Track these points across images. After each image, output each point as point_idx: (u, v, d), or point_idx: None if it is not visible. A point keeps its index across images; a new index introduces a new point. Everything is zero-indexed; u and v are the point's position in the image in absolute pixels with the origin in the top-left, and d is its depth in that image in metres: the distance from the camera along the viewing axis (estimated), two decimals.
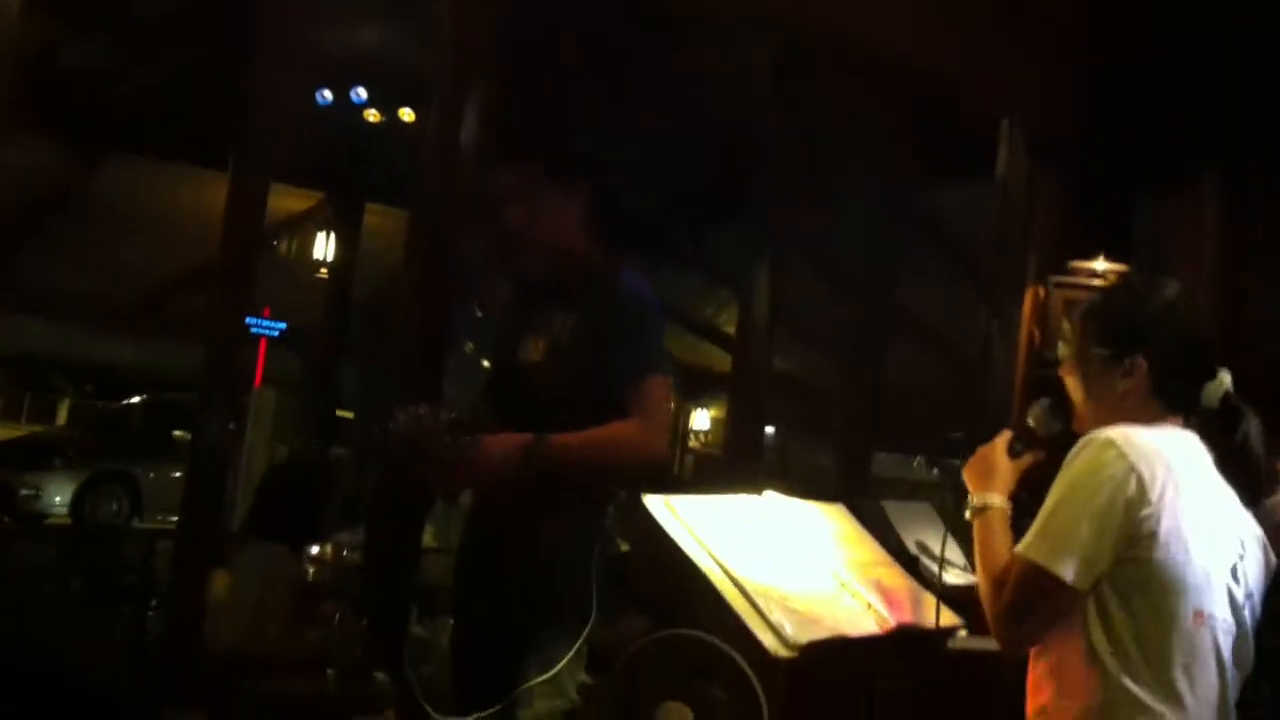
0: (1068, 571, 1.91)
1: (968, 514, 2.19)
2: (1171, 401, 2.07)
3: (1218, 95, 3.97)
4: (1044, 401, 2.26)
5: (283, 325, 10.58)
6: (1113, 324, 2.14)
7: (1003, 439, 2.25)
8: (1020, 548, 1.97)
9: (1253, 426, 2.06)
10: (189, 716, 2.92)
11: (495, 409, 2.76)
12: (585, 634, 2.65)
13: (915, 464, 18.28)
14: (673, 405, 11.47)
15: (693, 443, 13.75)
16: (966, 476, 2.23)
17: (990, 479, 2.19)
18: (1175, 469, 1.96)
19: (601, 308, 2.69)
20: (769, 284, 4.60)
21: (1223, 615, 1.99)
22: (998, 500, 2.16)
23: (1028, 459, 2.23)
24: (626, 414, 2.62)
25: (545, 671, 2.62)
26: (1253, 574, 2.06)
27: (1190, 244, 4.03)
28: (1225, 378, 2.08)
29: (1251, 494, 2.04)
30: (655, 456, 2.64)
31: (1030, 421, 2.26)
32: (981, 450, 2.25)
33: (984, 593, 2.06)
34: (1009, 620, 2.01)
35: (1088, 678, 1.95)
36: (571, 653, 2.63)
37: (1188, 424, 2.07)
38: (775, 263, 4.61)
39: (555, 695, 2.65)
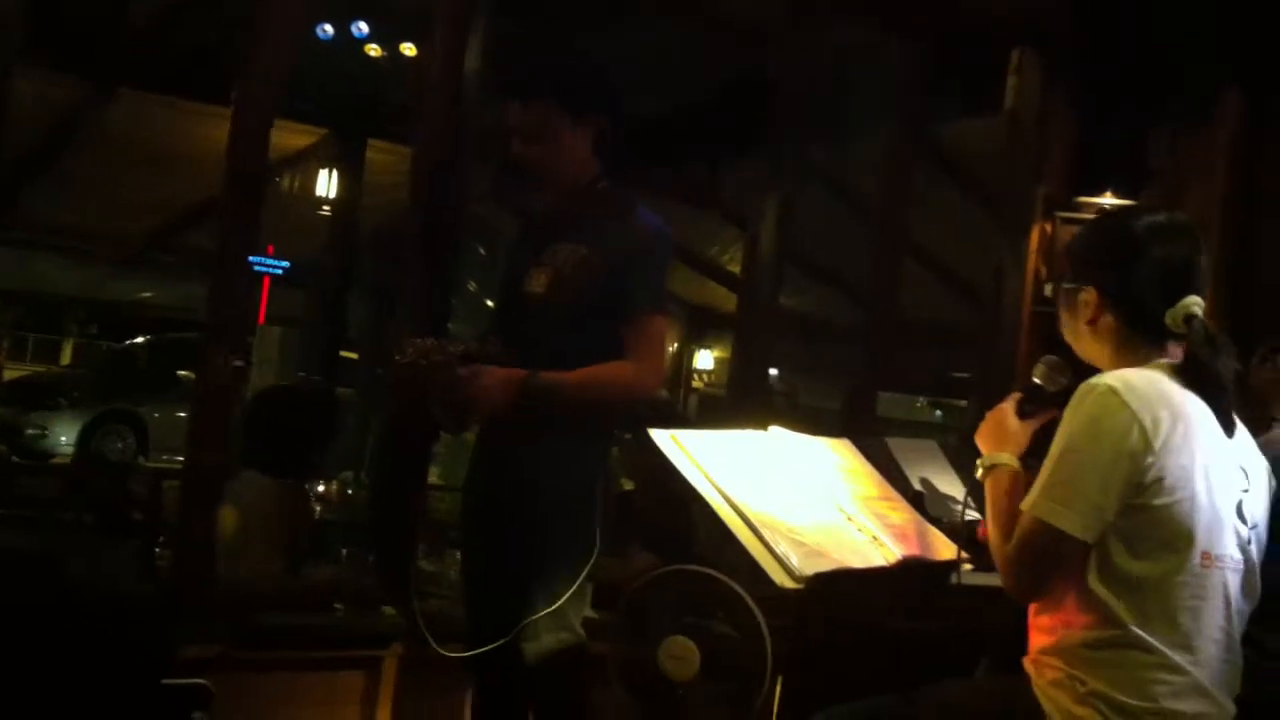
0: (1075, 527, 1.92)
1: (979, 474, 2.19)
2: (1139, 330, 2.06)
3: (1236, 15, 3.90)
4: (1048, 359, 2.26)
5: (286, 263, 10.57)
6: (1070, 255, 2.19)
7: (1012, 400, 2.25)
8: (1026, 505, 1.98)
9: (1217, 356, 2.02)
10: (201, 651, 2.94)
11: (503, 342, 2.76)
12: (588, 568, 2.68)
13: (918, 404, 18.32)
14: (671, 344, 11.47)
15: (696, 383, 13.76)
16: (978, 439, 2.24)
17: (1002, 440, 2.20)
18: (1177, 411, 1.95)
19: (612, 240, 2.68)
20: (776, 221, 4.57)
21: (1231, 554, 1.99)
22: (1007, 459, 2.16)
23: (1039, 417, 2.23)
24: (624, 349, 2.62)
25: (549, 605, 2.65)
26: (1258, 507, 2.06)
27: (1203, 174, 3.98)
28: (1190, 302, 2.03)
29: (1226, 424, 2.02)
30: (645, 395, 2.65)
31: (1036, 378, 2.26)
32: (991, 413, 2.26)
33: (995, 548, 2.07)
34: (1020, 574, 2.02)
35: (1092, 621, 1.95)
36: (574, 587, 2.66)
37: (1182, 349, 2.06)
38: (783, 199, 4.57)
39: (560, 629, 2.69)
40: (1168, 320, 2.04)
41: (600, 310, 2.64)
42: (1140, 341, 2.06)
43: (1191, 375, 2.02)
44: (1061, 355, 2.23)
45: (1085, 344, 2.13)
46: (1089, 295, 2.09)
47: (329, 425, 4.27)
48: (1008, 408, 2.24)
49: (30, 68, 6.11)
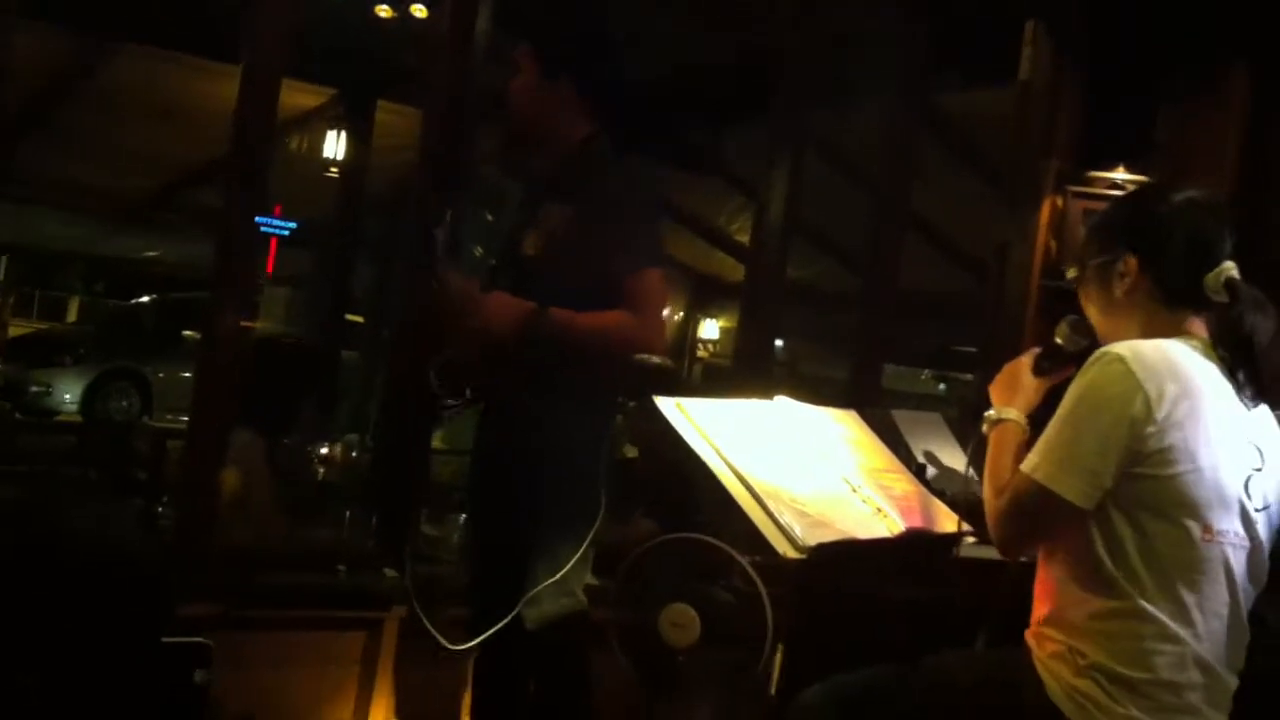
0: (1072, 492, 1.92)
1: (984, 426, 2.19)
2: (1175, 298, 2.06)
3: None
4: (1071, 319, 2.25)
5: (293, 224, 10.55)
6: (1103, 230, 2.17)
7: (1029, 355, 2.26)
8: (1026, 466, 1.98)
9: (1255, 314, 2.03)
10: (202, 609, 2.95)
11: None
12: (591, 535, 2.68)
13: (923, 377, 18.31)
14: (676, 312, 11.46)
15: (701, 352, 13.74)
16: (991, 390, 2.25)
17: (1014, 394, 2.21)
18: (1187, 382, 1.94)
19: (599, 199, 2.68)
20: (785, 190, 4.54)
21: (1234, 530, 1.98)
22: (1014, 414, 2.17)
23: (1054, 376, 2.23)
24: (622, 305, 2.62)
25: (553, 573, 2.66)
26: (1271, 486, 2.05)
27: (1211, 151, 3.95)
28: (1228, 266, 2.05)
29: (1254, 392, 2.02)
30: (647, 349, 2.65)
31: (1058, 339, 2.26)
32: (1008, 365, 2.27)
33: (987, 501, 2.08)
34: (1008, 530, 2.03)
35: (1093, 592, 1.96)
36: (578, 555, 2.66)
37: (1209, 324, 2.06)
38: (792, 168, 4.54)
39: (561, 595, 2.70)
40: (1208, 283, 2.04)
41: (592, 270, 2.64)
42: (1170, 314, 2.07)
43: (1230, 340, 2.02)
44: (1082, 316, 2.22)
45: (1115, 320, 2.12)
46: (1127, 265, 2.08)
47: (312, 379, 4.25)
48: (1025, 362, 2.25)
49: (31, 20, 6.08)
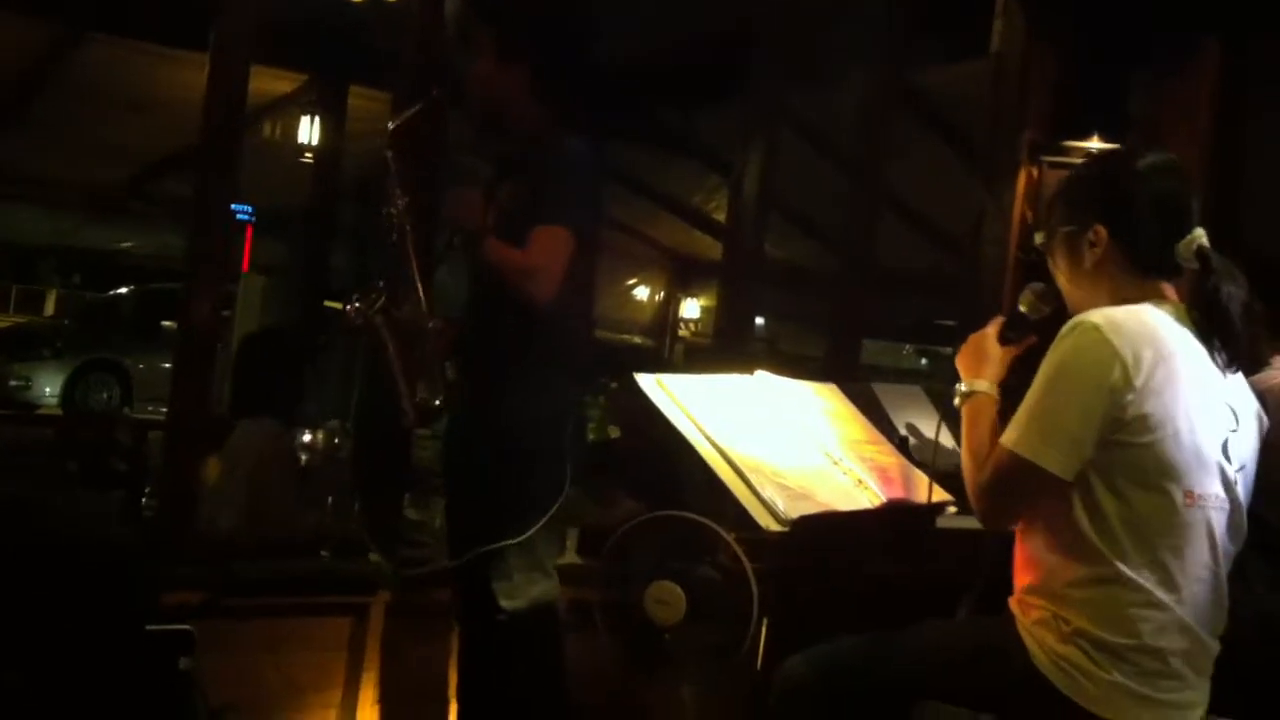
0: (1053, 463, 1.92)
1: (956, 400, 2.19)
2: (1146, 265, 2.06)
3: None
4: (1036, 286, 2.25)
5: (269, 211, 10.48)
6: (1071, 198, 2.15)
7: (994, 325, 2.25)
8: (1006, 440, 1.97)
9: (1229, 283, 2.03)
10: (185, 597, 2.94)
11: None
12: (558, 504, 2.76)
13: (904, 351, 18.37)
14: (657, 293, 11.47)
15: (683, 331, 13.74)
16: (958, 363, 2.24)
17: (981, 365, 2.20)
18: (1162, 348, 1.95)
19: (535, 170, 2.79)
20: (760, 168, 4.55)
21: (1215, 493, 1.99)
22: (985, 386, 2.17)
23: (1019, 345, 2.23)
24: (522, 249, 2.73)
25: (519, 537, 2.69)
26: (1246, 447, 2.06)
27: (1185, 119, 3.96)
28: (1198, 233, 2.04)
29: (1230, 356, 2.02)
30: (529, 290, 2.70)
31: (1022, 307, 2.26)
32: (973, 336, 2.25)
33: (967, 473, 2.08)
34: (992, 503, 2.03)
35: (1076, 560, 1.96)
36: (544, 519, 2.71)
37: (1180, 289, 2.06)
38: (767, 146, 4.54)
39: (531, 568, 2.75)
40: (1180, 251, 2.04)
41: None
42: (1141, 281, 2.06)
43: (1206, 309, 2.02)
44: (1047, 284, 2.22)
45: (1084, 289, 2.12)
46: (1097, 234, 2.07)
47: (315, 360, 4.29)
48: (990, 332, 2.24)
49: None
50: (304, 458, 5.32)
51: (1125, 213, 2.07)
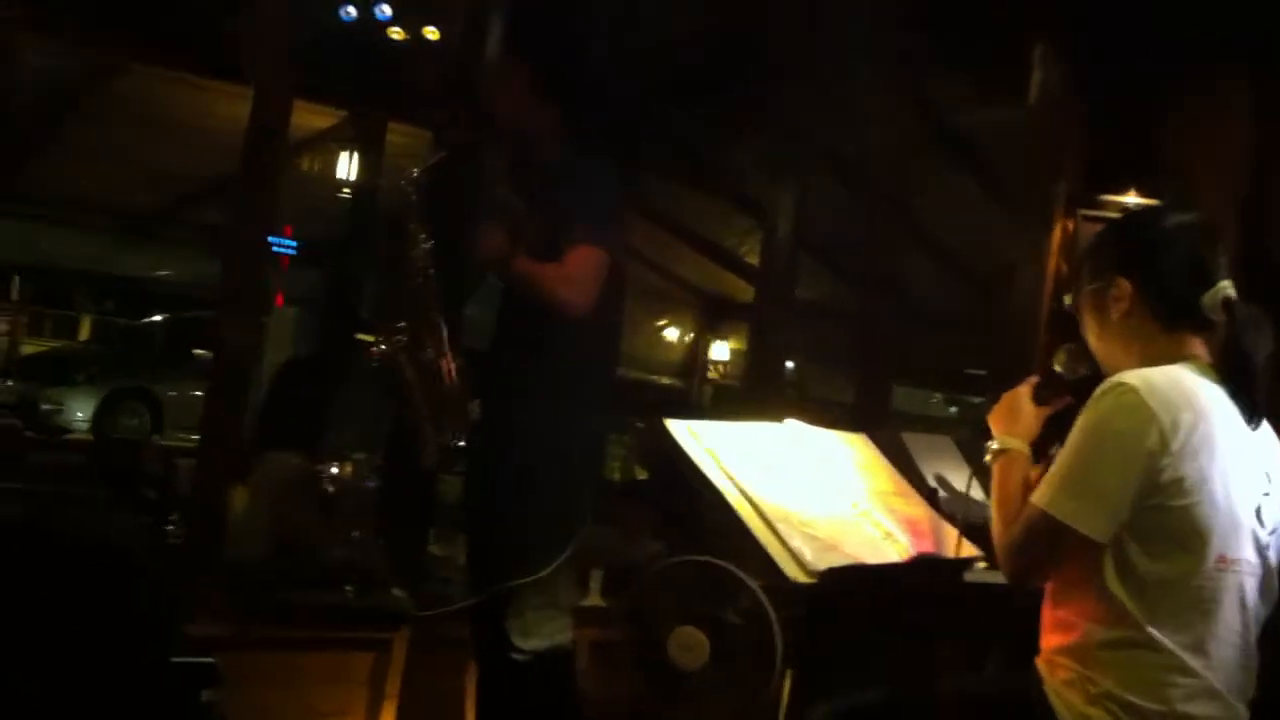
0: (1087, 525, 1.90)
1: (987, 457, 2.18)
2: (1172, 319, 2.04)
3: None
4: (1070, 346, 2.24)
5: (304, 244, 10.56)
6: (1096, 256, 2.15)
7: (1028, 384, 2.25)
8: (1041, 501, 1.95)
9: (1255, 334, 2.01)
10: (210, 629, 2.95)
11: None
12: (575, 542, 2.77)
13: (933, 400, 18.26)
14: (687, 334, 11.49)
15: (712, 373, 13.74)
16: (991, 420, 2.23)
17: (1015, 423, 2.19)
18: (1198, 410, 1.93)
19: (563, 198, 2.81)
20: (793, 210, 4.56)
21: (1247, 558, 1.97)
22: (1018, 444, 2.16)
23: (1053, 404, 2.22)
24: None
25: (533, 574, 2.72)
26: (1277, 508, 2.04)
27: (1220, 162, 3.94)
28: (1224, 285, 2.03)
29: (1253, 409, 2.00)
30: (563, 303, 2.73)
31: (1056, 366, 2.25)
32: (1007, 395, 2.25)
33: (996, 531, 2.06)
34: (1020, 562, 2.01)
35: (1105, 621, 1.94)
36: (560, 560, 2.71)
37: (1210, 345, 2.04)
38: (800, 187, 4.55)
39: (546, 605, 2.74)
40: (1206, 303, 2.02)
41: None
42: (1169, 336, 2.04)
43: (1227, 360, 2.01)
44: (1081, 344, 2.21)
45: (1113, 345, 2.10)
46: (1121, 289, 2.06)
47: (347, 392, 4.30)
48: (1024, 391, 2.24)
49: (40, 38, 6.12)
50: (330, 490, 5.34)
51: (1149, 266, 2.06)
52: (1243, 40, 3.93)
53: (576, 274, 2.72)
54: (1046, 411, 2.22)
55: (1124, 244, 2.13)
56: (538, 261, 2.77)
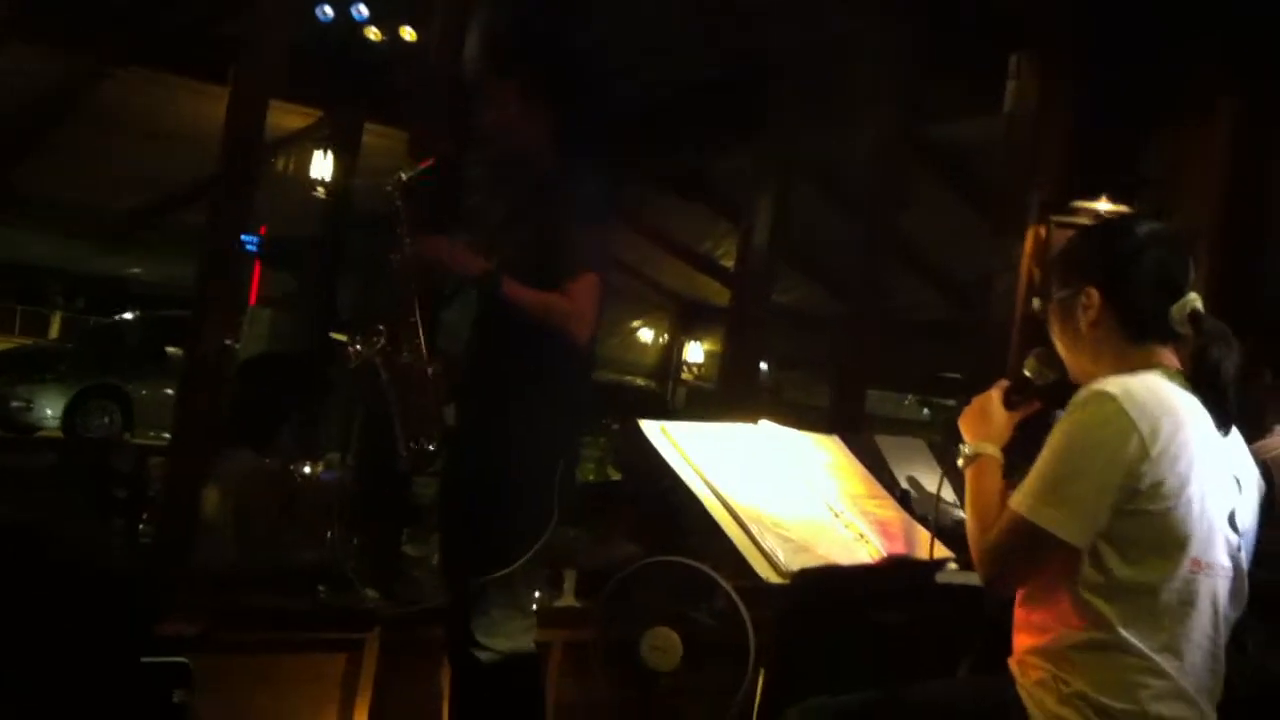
0: (1068, 533, 1.91)
1: (960, 462, 2.19)
2: (1140, 331, 2.06)
3: (1234, 17, 3.90)
4: (1039, 350, 2.25)
5: (279, 243, 10.51)
6: (1066, 264, 2.16)
7: (998, 389, 2.25)
8: (1019, 506, 1.96)
9: (1221, 347, 2.03)
10: (181, 628, 2.93)
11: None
12: (541, 542, 2.76)
13: (906, 403, 18.34)
14: (662, 335, 11.49)
15: (686, 375, 13.76)
16: (962, 425, 2.24)
17: (985, 428, 2.20)
18: (1175, 417, 1.95)
19: (555, 213, 2.80)
20: (771, 215, 4.57)
21: (1220, 562, 1.99)
22: (991, 449, 2.16)
23: (1023, 409, 2.23)
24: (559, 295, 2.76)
25: (499, 570, 2.74)
26: (1249, 515, 2.06)
27: (1201, 179, 3.98)
28: (1192, 298, 2.05)
29: (1221, 419, 2.02)
30: (575, 333, 2.76)
31: (1026, 371, 2.26)
32: (977, 400, 2.26)
33: (972, 537, 2.07)
34: (998, 566, 2.01)
35: (1078, 623, 1.95)
36: (524, 559, 2.72)
37: (1179, 354, 2.06)
38: (778, 192, 4.57)
39: (509, 605, 2.76)
40: (1174, 315, 2.04)
41: (541, 274, 2.76)
42: (1139, 346, 2.06)
43: (1196, 372, 2.02)
44: (1051, 349, 2.22)
45: (1082, 355, 2.12)
46: (1090, 298, 2.07)
47: (304, 391, 4.27)
48: (994, 395, 2.24)
49: (19, 42, 6.08)
50: (300, 490, 5.32)
51: (1118, 276, 2.07)
52: (1224, 50, 3.97)
53: (587, 308, 2.75)
54: (1017, 416, 2.23)
55: (1093, 253, 2.13)
56: (524, 276, 2.76)
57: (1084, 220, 4.06)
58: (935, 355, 8.68)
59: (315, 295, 9.01)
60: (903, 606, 2.61)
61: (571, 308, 2.73)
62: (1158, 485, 1.91)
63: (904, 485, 3.20)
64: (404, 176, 2.84)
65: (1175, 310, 2.05)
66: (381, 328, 2.81)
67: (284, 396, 4.05)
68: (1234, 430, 2.06)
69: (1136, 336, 2.06)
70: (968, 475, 2.16)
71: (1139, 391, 1.95)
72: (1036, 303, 2.20)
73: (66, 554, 2.47)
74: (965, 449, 2.19)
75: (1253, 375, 2.88)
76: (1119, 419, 1.91)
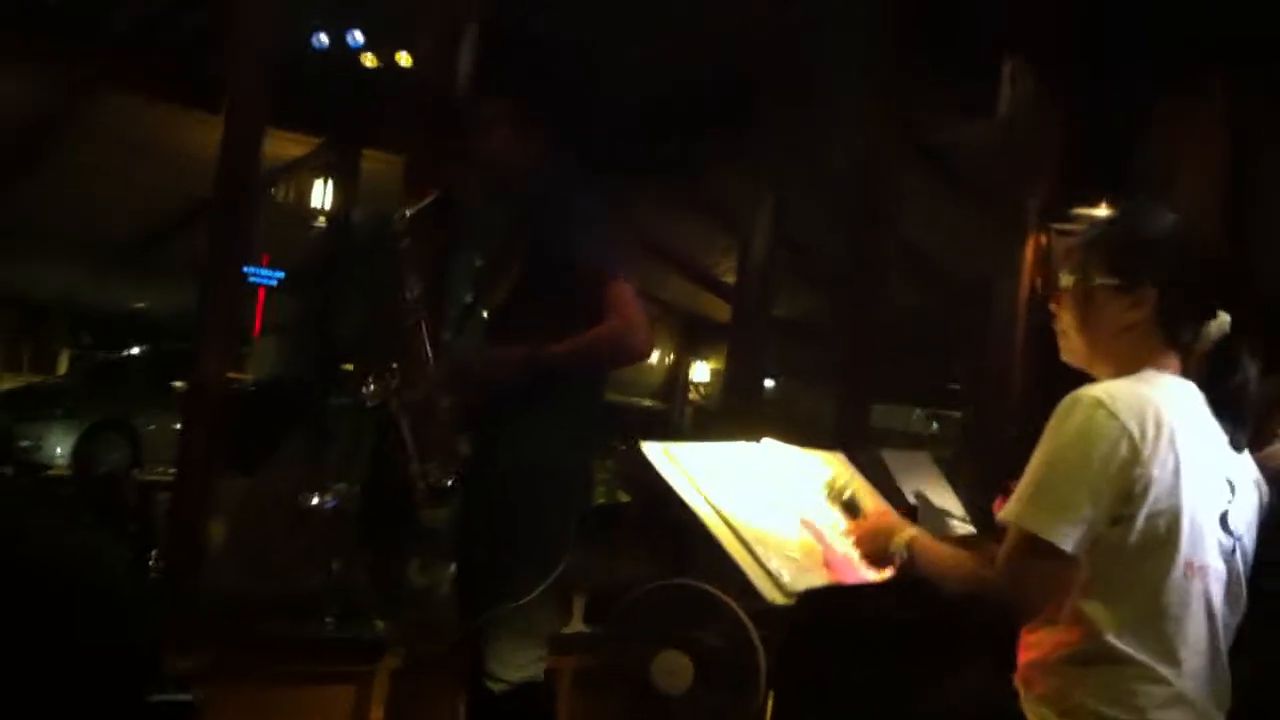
0: (1066, 541, 1.88)
1: (896, 562, 2.16)
2: (1173, 337, 2.03)
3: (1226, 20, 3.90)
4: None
5: (280, 274, 10.55)
6: (1123, 251, 2.06)
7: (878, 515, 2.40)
8: (1015, 517, 1.92)
9: (1252, 371, 2.03)
10: (190, 662, 2.92)
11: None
12: (558, 570, 2.74)
13: (914, 416, 18.27)
14: (667, 354, 11.50)
15: (692, 394, 13.75)
16: (863, 553, 2.28)
17: (886, 536, 2.20)
18: (1166, 420, 1.93)
19: (546, 230, 2.78)
20: (769, 226, 4.56)
21: (1214, 565, 1.97)
22: (911, 532, 2.15)
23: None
24: (607, 316, 2.70)
25: (514, 600, 2.72)
26: (1243, 518, 2.04)
27: (1195, 175, 3.97)
28: (1225, 318, 2.04)
29: (1237, 440, 2.01)
30: (640, 351, 2.73)
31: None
32: (862, 533, 2.29)
33: (970, 592, 2.02)
34: (1015, 589, 1.96)
35: (1077, 634, 1.94)
36: (541, 587, 2.69)
37: (1185, 365, 2.05)
38: (776, 202, 4.56)
39: (524, 633, 2.72)
40: (1211, 331, 2.03)
41: (555, 304, 2.73)
42: (1163, 351, 2.03)
43: (1223, 390, 2.01)
44: (1057, 365, 2.19)
45: (1098, 343, 2.07)
46: (1146, 295, 2.01)
47: (300, 420, 4.28)
48: (880, 514, 2.35)
49: (14, 67, 6.10)
50: (305, 520, 5.31)
51: (1183, 284, 2.02)
52: (1219, 52, 3.96)
53: (633, 314, 2.69)
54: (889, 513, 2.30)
55: (1163, 253, 2.05)
56: (532, 307, 2.74)
57: (1084, 227, 4.05)
58: (940, 365, 8.67)
59: (317, 324, 9.03)
60: (909, 624, 2.58)
61: (618, 323, 2.69)
62: (1148, 487, 1.89)
63: (910, 500, 3.18)
64: (408, 213, 2.81)
65: (1214, 327, 2.03)
66: (395, 366, 2.79)
67: (276, 425, 4.06)
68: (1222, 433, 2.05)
69: (1168, 342, 2.03)
70: (918, 563, 2.12)
71: (1124, 394, 1.93)
72: (1064, 278, 2.10)
73: (73, 591, 2.45)
74: (891, 548, 2.16)
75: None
76: (1110, 424, 1.89)
